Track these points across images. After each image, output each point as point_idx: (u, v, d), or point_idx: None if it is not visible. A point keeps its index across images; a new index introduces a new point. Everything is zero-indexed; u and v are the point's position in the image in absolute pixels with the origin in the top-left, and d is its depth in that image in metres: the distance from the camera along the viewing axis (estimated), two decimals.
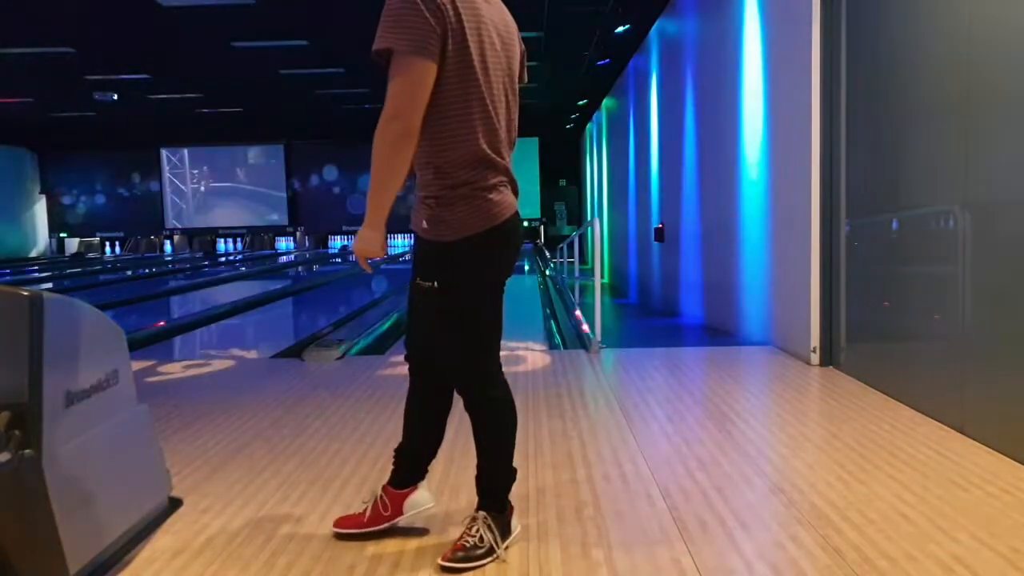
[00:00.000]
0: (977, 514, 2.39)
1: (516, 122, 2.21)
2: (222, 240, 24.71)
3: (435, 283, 2.08)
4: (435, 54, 1.96)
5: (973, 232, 3.18)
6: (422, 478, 2.33)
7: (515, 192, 2.17)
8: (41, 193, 24.35)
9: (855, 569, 2.06)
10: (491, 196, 2.06)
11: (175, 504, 2.50)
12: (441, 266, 2.08)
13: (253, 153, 24.09)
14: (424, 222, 2.09)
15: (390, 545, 2.25)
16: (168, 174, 24.30)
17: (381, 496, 2.30)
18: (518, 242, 2.18)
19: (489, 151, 2.06)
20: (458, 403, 2.23)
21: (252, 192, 24.31)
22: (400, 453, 2.33)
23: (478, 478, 2.20)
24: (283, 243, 24.58)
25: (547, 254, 18.90)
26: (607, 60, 12.06)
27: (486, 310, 2.14)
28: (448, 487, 2.70)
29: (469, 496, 2.27)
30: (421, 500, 2.31)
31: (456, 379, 2.20)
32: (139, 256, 23.62)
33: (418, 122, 1.98)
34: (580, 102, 17.01)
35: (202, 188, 24.43)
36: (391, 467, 2.34)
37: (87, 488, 1.96)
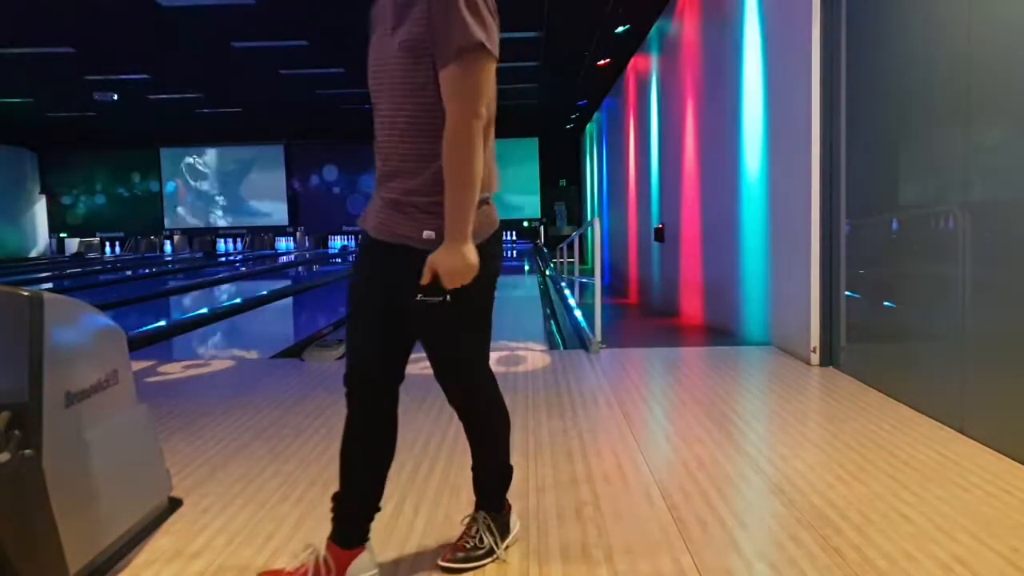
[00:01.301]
0: (977, 514, 2.39)
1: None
2: (222, 240, 24.71)
3: (447, 296, 1.91)
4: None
5: (973, 232, 3.18)
6: (368, 537, 2.06)
7: None
8: (41, 193, 24.35)
9: (855, 569, 2.06)
10: (491, 204, 2.05)
11: (175, 504, 2.50)
12: None
13: (253, 153, 24.09)
14: (428, 232, 1.92)
15: (390, 547, 2.25)
16: (167, 174, 24.30)
17: (325, 557, 1.99)
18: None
19: (492, 162, 2.05)
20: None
21: (252, 192, 24.32)
22: (342, 503, 2.03)
23: (476, 478, 2.20)
24: (283, 243, 24.59)
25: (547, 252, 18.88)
26: (607, 60, 12.07)
27: (490, 311, 2.12)
28: (448, 487, 2.70)
29: (469, 496, 2.27)
30: (366, 565, 2.03)
31: (468, 383, 2.12)
32: (139, 256, 23.62)
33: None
34: (580, 102, 17.01)
35: (203, 188, 24.43)
36: (331, 517, 2.03)
37: (87, 488, 1.96)
